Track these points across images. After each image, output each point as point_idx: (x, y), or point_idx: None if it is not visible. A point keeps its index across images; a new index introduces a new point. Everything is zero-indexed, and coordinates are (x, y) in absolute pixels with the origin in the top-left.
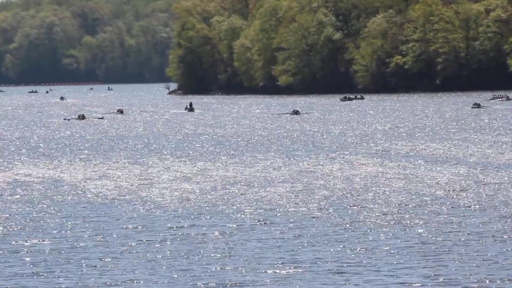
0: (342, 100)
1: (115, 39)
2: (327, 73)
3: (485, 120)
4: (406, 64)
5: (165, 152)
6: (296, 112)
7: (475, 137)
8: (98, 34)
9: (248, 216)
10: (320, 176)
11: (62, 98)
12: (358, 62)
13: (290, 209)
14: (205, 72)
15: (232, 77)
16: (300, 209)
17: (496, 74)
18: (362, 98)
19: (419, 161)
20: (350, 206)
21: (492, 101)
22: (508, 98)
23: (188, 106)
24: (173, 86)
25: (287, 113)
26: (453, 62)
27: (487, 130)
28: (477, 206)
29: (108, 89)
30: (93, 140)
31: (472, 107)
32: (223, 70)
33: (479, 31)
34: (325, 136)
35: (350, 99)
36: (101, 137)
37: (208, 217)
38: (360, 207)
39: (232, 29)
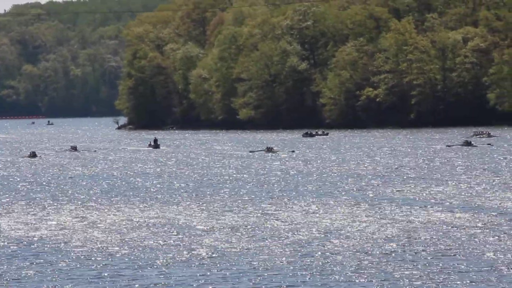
0: (303, 136)
1: (58, 68)
2: (292, 107)
3: (482, 161)
4: (377, 97)
5: (130, 195)
6: (270, 150)
7: (469, 179)
8: (40, 62)
9: (208, 267)
10: (289, 221)
11: None
12: (325, 94)
13: (255, 258)
14: (158, 105)
15: (188, 110)
16: (265, 257)
17: (475, 108)
18: (324, 134)
19: (396, 205)
20: (319, 256)
21: (473, 138)
22: (489, 135)
23: (152, 143)
24: (123, 120)
25: (261, 150)
26: (428, 95)
27: (482, 172)
28: (459, 254)
29: (48, 123)
30: (45, 180)
31: (462, 145)
32: (178, 103)
33: (457, 61)
34: (291, 177)
35: (311, 135)
36: (54, 178)
37: (159, 268)
38: (330, 255)
39: (188, 57)
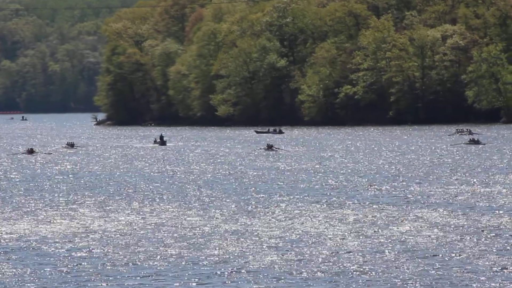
0: (270, 132)
1: (37, 64)
2: (270, 104)
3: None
4: (356, 95)
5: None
6: (270, 147)
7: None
8: (19, 58)
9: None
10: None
11: None
12: (304, 91)
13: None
14: (136, 101)
15: (166, 107)
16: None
17: (453, 106)
18: (278, 132)
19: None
20: (303, 257)
21: (456, 135)
22: (470, 133)
23: (159, 140)
24: (102, 116)
25: (261, 149)
26: (407, 92)
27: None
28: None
29: (23, 119)
30: (58, 179)
31: (468, 143)
32: (156, 99)
33: (435, 59)
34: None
35: (280, 132)
36: (64, 177)
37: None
38: (312, 257)
39: (167, 54)
